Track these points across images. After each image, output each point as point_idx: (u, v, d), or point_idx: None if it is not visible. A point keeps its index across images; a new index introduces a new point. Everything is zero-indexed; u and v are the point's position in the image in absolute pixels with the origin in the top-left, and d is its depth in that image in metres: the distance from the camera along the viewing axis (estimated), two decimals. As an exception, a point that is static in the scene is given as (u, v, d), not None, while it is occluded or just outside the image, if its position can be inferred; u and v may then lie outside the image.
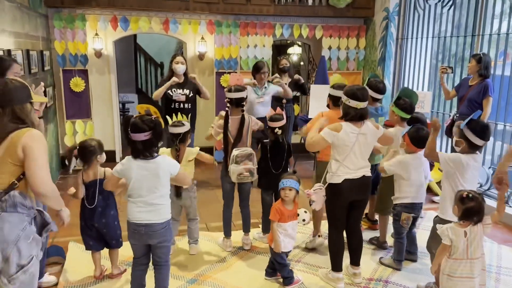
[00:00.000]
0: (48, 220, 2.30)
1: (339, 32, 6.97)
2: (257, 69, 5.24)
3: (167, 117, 3.60)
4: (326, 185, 3.16)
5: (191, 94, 5.17)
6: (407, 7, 6.46)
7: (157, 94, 5.04)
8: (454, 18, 5.68)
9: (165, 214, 2.71)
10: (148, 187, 2.63)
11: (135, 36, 10.09)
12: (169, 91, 5.03)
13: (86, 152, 3.10)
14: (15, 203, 2.08)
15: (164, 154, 3.37)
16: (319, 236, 3.90)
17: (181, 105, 5.14)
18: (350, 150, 3.02)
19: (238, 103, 3.65)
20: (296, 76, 5.84)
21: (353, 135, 3.01)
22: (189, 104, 5.20)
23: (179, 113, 3.69)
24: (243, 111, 3.67)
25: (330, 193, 3.16)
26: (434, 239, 2.96)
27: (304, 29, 6.82)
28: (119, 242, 3.28)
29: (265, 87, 5.26)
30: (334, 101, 3.62)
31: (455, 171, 2.94)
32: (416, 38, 6.36)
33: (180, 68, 5.05)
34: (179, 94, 5.07)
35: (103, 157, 3.19)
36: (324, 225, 4.24)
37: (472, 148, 2.93)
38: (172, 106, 5.10)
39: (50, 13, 5.92)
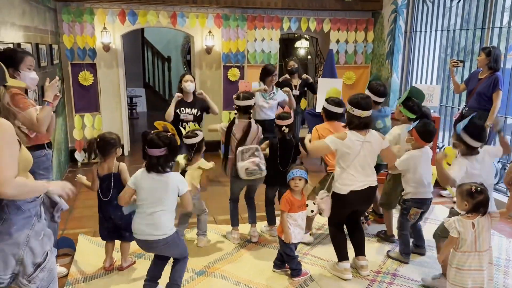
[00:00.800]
0: (56, 200, 2.22)
1: (347, 25, 6.93)
2: (268, 73, 5.12)
3: (181, 128, 3.66)
4: (331, 193, 3.21)
5: (199, 113, 5.08)
6: (415, 0, 6.41)
7: (168, 114, 4.88)
8: (464, 11, 5.62)
9: (166, 229, 2.72)
10: (156, 197, 2.69)
11: (142, 30, 10.12)
12: (177, 110, 4.95)
13: (107, 144, 3.16)
14: (17, 204, 1.92)
15: (178, 157, 3.44)
16: (310, 234, 3.92)
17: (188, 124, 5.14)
18: (355, 158, 3.07)
19: (246, 110, 3.74)
20: (304, 76, 5.91)
21: (358, 143, 3.07)
22: (195, 123, 5.16)
23: (191, 122, 3.72)
24: (250, 118, 3.74)
25: (335, 201, 3.23)
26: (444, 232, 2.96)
27: (312, 22, 6.79)
28: (132, 236, 3.29)
29: (273, 92, 5.21)
30: (327, 114, 3.72)
31: (473, 171, 2.96)
32: (425, 31, 6.31)
33: (189, 86, 4.95)
34: (187, 114, 4.98)
35: (120, 151, 3.26)
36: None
37: (470, 149, 2.97)
38: (180, 125, 5.04)
39: (59, 7, 5.95)
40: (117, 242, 3.38)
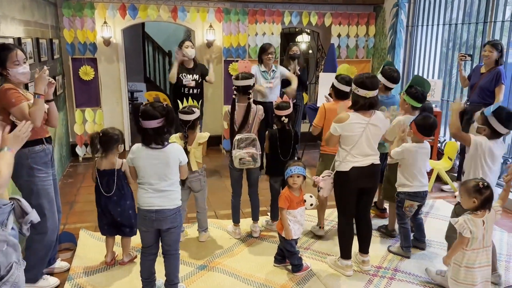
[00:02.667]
0: (26, 210, 2.05)
1: (349, 19, 6.90)
2: (263, 50, 5.24)
3: (178, 101, 3.61)
4: (334, 172, 3.16)
5: (200, 80, 5.23)
6: (417, -6, 6.38)
7: (172, 75, 5.17)
8: (466, 5, 5.59)
9: (176, 200, 2.72)
10: (159, 175, 2.64)
11: (143, 24, 10.08)
12: (179, 76, 5.09)
13: (110, 140, 3.12)
14: None
15: (173, 137, 3.40)
16: (320, 227, 3.91)
17: (191, 90, 5.24)
18: (358, 140, 3.00)
19: (245, 91, 3.65)
20: (303, 65, 5.81)
21: (360, 126, 2.98)
22: (198, 90, 5.28)
23: (189, 98, 3.69)
24: (249, 98, 3.67)
25: (339, 181, 3.16)
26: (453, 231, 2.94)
27: (313, 16, 6.76)
28: (133, 231, 3.31)
29: (273, 71, 5.23)
30: (336, 93, 3.62)
31: (483, 154, 2.90)
32: (427, 25, 6.27)
33: (190, 52, 5.11)
34: (189, 80, 5.15)
35: (122, 147, 3.21)
36: (333, 213, 4.27)
37: (495, 135, 2.90)
38: (182, 91, 5.19)
39: (59, 1, 5.93)
40: (118, 237, 3.38)
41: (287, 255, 3.30)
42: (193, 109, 3.42)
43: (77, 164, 6.08)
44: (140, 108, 2.58)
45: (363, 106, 2.98)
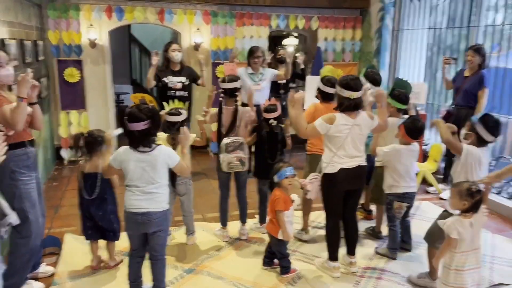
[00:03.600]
0: (5, 211, 2.08)
1: (335, 23, 6.95)
2: (250, 53, 5.22)
3: (164, 103, 3.57)
4: (322, 175, 3.18)
5: (187, 82, 5.18)
6: (403, -1, 6.47)
7: (148, 80, 5.07)
8: (450, 10, 5.68)
9: (162, 203, 2.69)
10: (146, 178, 2.62)
11: (129, 26, 10.02)
12: (164, 79, 5.03)
13: (93, 142, 3.07)
14: None
15: (160, 140, 3.37)
16: (305, 232, 3.91)
17: (177, 93, 5.13)
18: (343, 141, 3.04)
19: (232, 93, 3.65)
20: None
21: (346, 127, 3.02)
22: (186, 92, 5.19)
23: (175, 99, 3.66)
24: (236, 101, 3.67)
25: (326, 183, 3.18)
26: (439, 232, 2.97)
27: (300, 20, 6.80)
28: (116, 235, 3.27)
29: (261, 73, 5.23)
30: (322, 96, 3.62)
31: (474, 162, 2.92)
32: (412, 29, 6.36)
33: (177, 56, 5.05)
34: (174, 82, 5.08)
35: (107, 151, 3.14)
36: (320, 216, 4.28)
37: (481, 143, 2.92)
38: (168, 94, 5.07)
39: (44, 3, 5.85)
40: (104, 241, 3.34)
41: (279, 257, 3.30)
42: (180, 110, 3.39)
43: (62, 168, 6.00)
44: (126, 110, 2.55)
45: (349, 107, 3.03)
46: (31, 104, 2.79)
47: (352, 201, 3.28)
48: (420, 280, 3.19)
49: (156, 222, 2.67)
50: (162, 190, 2.69)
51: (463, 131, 3.04)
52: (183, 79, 5.14)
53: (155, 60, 5.00)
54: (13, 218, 2.08)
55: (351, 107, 3.02)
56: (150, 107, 2.59)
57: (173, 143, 3.39)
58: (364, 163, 3.17)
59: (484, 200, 2.75)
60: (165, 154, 2.66)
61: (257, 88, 5.19)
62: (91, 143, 3.08)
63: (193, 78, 5.27)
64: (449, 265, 2.59)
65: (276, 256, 3.34)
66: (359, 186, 3.25)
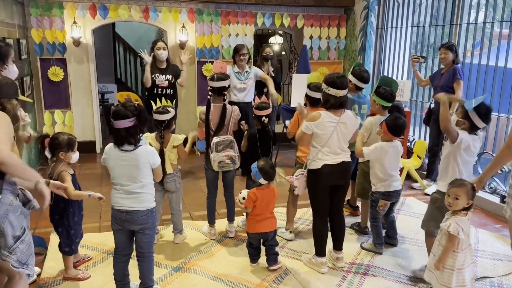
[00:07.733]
0: (29, 198, 2.30)
1: (320, 21, 7.00)
2: (235, 51, 5.26)
3: (151, 102, 3.57)
4: (306, 170, 3.22)
5: (173, 80, 5.24)
6: (386, -3, 6.54)
7: (146, 79, 5.16)
8: (433, 8, 5.77)
9: (147, 202, 2.69)
10: (128, 177, 2.62)
11: (113, 24, 9.92)
12: (152, 76, 5.10)
13: (53, 143, 2.93)
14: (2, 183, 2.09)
15: (148, 138, 3.37)
16: (290, 232, 3.91)
17: (164, 91, 5.23)
18: (329, 138, 3.07)
19: (220, 92, 3.65)
20: (277, 65, 5.88)
21: (331, 125, 3.06)
22: (171, 90, 5.29)
23: (163, 98, 3.65)
24: (224, 100, 3.68)
25: (311, 178, 3.22)
26: (433, 219, 3.03)
27: (285, 18, 6.82)
28: (70, 250, 3.09)
29: (247, 71, 5.25)
30: (311, 101, 3.66)
31: (460, 150, 2.96)
32: (396, 27, 6.44)
33: (162, 54, 5.13)
34: (162, 80, 5.16)
35: (70, 156, 2.95)
36: (307, 213, 4.32)
37: (473, 129, 2.97)
38: (155, 92, 5.18)
39: (26, 1, 5.77)
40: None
41: (273, 252, 3.32)
42: (168, 108, 3.39)
43: (46, 167, 5.90)
44: (111, 108, 2.54)
45: (334, 104, 3.07)
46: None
47: (338, 197, 3.31)
48: (421, 273, 3.12)
49: (140, 220, 2.68)
50: (146, 189, 2.68)
51: (454, 117, 3.08)
52: (169, 77, 5.19)
53: (149, 58, 5.08)
54: (35, 202, 2.32)
55: (336, 105, 3.07)
56: (135, 104, 2.59)
57: (162, 141, 3.39)
58: (348, 159, 3.21)
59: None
60: (148, 153, 2.66)
61: (243, 86, 5.22)
62: (52, 145, 2.93)
63: (177, 76, 5.32)
64: (451, 266, 2.61)
65: (260, 250, 3.38)
66: (344, 182, 3.29)
